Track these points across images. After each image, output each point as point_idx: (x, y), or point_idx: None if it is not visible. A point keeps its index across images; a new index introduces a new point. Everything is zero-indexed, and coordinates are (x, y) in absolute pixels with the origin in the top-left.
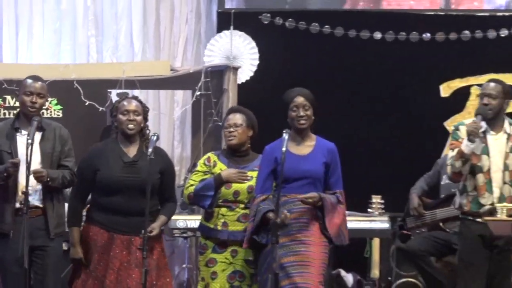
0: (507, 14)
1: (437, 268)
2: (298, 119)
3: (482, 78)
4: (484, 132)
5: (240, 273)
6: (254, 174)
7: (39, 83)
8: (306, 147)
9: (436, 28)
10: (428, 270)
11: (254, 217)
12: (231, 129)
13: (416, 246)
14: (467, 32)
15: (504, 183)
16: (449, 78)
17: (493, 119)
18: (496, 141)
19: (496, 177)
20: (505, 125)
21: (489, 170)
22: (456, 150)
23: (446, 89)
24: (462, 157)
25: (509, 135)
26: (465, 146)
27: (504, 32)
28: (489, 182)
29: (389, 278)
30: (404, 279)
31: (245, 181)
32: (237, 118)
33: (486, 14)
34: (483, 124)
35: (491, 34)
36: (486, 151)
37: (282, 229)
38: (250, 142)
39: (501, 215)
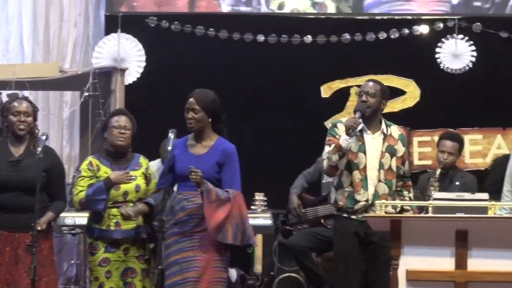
0: (385, 17)
1: (318, 264)
2: (186, 120)
3: (361, 79)
4: (362, 131)
5: (132, 269)
6: (136, 173)
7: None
8: (203, 147)
9: (317, 31)
10: (309, 265)
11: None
12: (122, 131)
13: (297, 242)
14: (347, 35)
15: (379, 181)
16: (330, 79)
17: (371, 118)
18: (373, 141)
19: (372, 175)
20: (382, 126)
21: (365, 167)
22: (333, 145)
23: (326, 90)
24: (340, 151)
25: (385, 135)
26: (343, 140)
27: (382, 35)
28: (364, 179)
29: (272, 273)
30: (286, 274)
31: (131, 181)
32: (125, 121)
33: (365, 17)
34: (361, 121)
35: (370, 36)
36: (363, 150)
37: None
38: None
39: (380, 212)
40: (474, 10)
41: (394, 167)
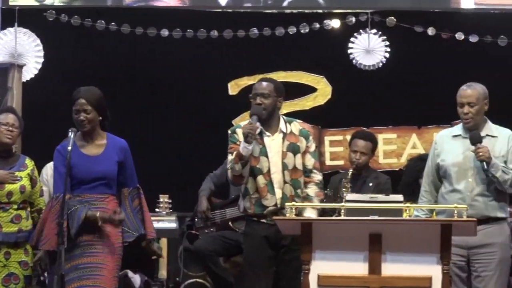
0: (295, 11)
1: (226, 268)
2: (78, 122)
3: (271, 76)
4: (261, 134)
5: (15, 275)
6: (22, 174)
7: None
8: (97, 147)
9: (223, 25)
10: (216, 270)
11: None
12: (10, 128)
13: (203, 246)
14: (255, 29)
15: (285, 182)
16: (237, 76)
17: (268, 119)
18: (273, 142)
19: (277, 177)
20: (280, 124)
21: (269, 171)
22: (234, 153)
23: (234, 87)
24: (241, 159)
25: (284, 134)
26: (243, 148)
27: (292, 30)
28: (270, 183)
29: (177, 278)
30: (192, 280)
31: (16, 182)
32: (13, 119)
33: (274, 11)
34: (259, 125)
35: (279, 31)
36: (264, 153)
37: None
38: None
39: (290, 215)
40: (388, 4)
41: (299, 166)
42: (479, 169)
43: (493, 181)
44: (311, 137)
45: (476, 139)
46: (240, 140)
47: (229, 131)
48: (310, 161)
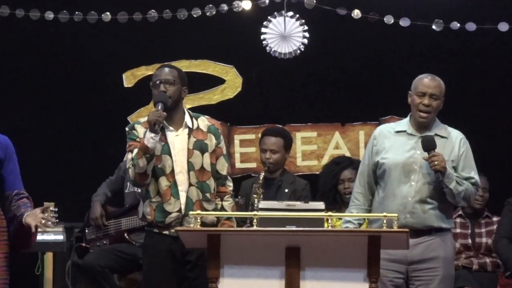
0: None
1: (121, 287)
2: None
3: (174, 64)
4: (163, 129)
5: None
6: None
7: None
8: None
9: (117, 8)
10: None
11: None
12: None
13: (95, 261)
14: (153, 12)
15: (190, 185)
16: (134, 66)
17: (173, 110)
18: (177, 138)
19: (181, 179)
20: (185, 119)
21: (172, 171)
22: (136, 150)
23: (130, 78)
24: (147, 153)
25: (190, 129)
26: (148, 139)
27: (196, 12)
28: (173, 185)
29: None
30: None
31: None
32: None
33: None
34: (165, 114)
35: (182, 14)
36: (167, 151)
37: None
38: None
39: (195, 225)
40: None
41: (207, 166)
42: (424, 172)
43: (441, 187)
44: (222, 137)
45: (429, 145)
46: (140, 137)
47: (127, 128)
48: (224, 166)
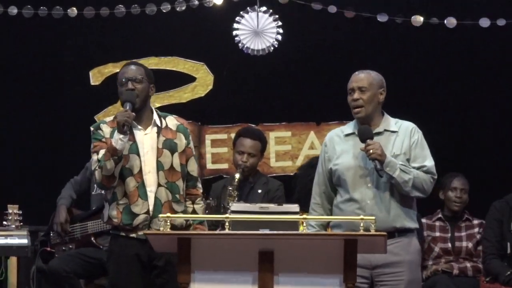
0: None
1: None
2: None
3: (142, 62)
4: (131, 128)
5: None
6: None
7: None
8: None
9: (83, 2)
10: None
11: None
12: None
13: (60, 266)
14: (121, 7)
15: (159, 185)
16: (101, 63)
17: (141, 109)
18: (146, 137)
19: (150, 179)
20: (154, 117)
21: (140, 171)
22: (102, 151)
23: (97, 76)
24: (114, 155)
25: (159, 128)
26: (117, 140)
27: (166, 7)
28: (141, 186)
29: None
30: None
31: None
32: None
33: None
34: (134, 114)
35: (150, 9)
36: (135, 150)
37: None
38: None
39: (164, 228)
40: None
41: (177, 166)
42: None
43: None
44: (191, 137)
45: (365, 135)
46: (106, 137)
47: (92, 128)
48: (194, 167)
